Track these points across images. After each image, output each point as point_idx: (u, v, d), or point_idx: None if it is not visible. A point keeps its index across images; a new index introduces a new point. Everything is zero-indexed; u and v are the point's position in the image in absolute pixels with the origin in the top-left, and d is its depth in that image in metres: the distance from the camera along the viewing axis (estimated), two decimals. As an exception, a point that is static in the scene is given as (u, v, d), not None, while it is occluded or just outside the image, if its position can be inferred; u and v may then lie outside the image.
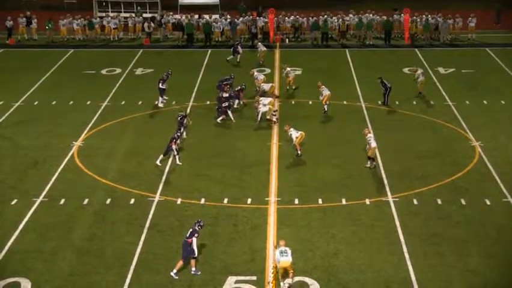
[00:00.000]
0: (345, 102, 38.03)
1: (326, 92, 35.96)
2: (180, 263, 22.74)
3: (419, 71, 39.13)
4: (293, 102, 38.23)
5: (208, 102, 37.76)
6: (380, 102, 37.45)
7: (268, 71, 44.14)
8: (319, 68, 44.48)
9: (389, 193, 27.93)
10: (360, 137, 32.30)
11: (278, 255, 21.90)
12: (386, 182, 28.85)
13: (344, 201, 27.26)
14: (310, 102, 37.86)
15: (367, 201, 27.27)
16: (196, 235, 22.84)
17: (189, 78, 41.98)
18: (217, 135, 33.83)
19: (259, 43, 47.42)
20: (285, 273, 22.00)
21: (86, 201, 27.49)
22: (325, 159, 31.13)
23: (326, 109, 35.95)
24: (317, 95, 36.63)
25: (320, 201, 27.30)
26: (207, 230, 24.93)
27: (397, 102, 37.82)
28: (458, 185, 28.56)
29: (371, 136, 29.98)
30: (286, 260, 21.80)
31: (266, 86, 37.84)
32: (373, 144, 29.62)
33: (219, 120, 34.96)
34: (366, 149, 30.11)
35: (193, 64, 45.41)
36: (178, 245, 23.76)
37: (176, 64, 44.91)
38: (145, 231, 25.22)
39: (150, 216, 26.29)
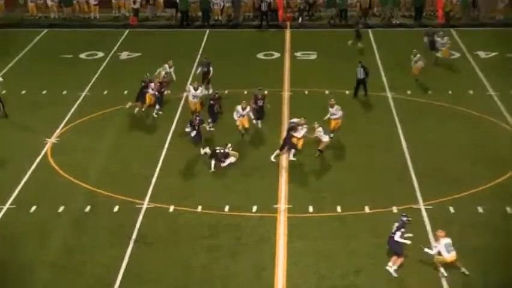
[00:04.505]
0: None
1: (338, 113, 32.41)
2: (397, 259, 23.43)
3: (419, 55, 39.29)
4: (306, 92, 38.11)
5: (210, 91, 37.56)
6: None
7: (276, 55, 44.10)
8: (336, 52, 44.39)
9: (420, 199, 27.80)
10: (386, 132, 32.20)
11: (443, 249, 22.95)
12: (416, 186, 28.73)
13: (367, 209, 27.15)
14: (326, 92, 37.69)
15: (394, 209, 27.13)
16: (402, 230, 23.49)
17: (184, 63, 41.79)
18: (217, 130, 33.65)
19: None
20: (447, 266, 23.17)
21: (61, 208, 27.42)
22: (344, 159, 31.01)
23: (332, 135, 32.27)
24: (335, 83, 36.48)
25: (339, 208, 27.21)
26: (204, 243, 24.92)
27: (430, 92, 37.71)
28: (502, 190, 28.40)
29: None
30: (454, 254, 23.01)
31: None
32: None
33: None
34: None
35: (188, 47, 45.29)
36: (170, 259, 23.68)
37: (168, 47, 44.85)
38: (131, 243, 25.15)
39: (137, 226, 26.19)
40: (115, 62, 43.54)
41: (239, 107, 32.73)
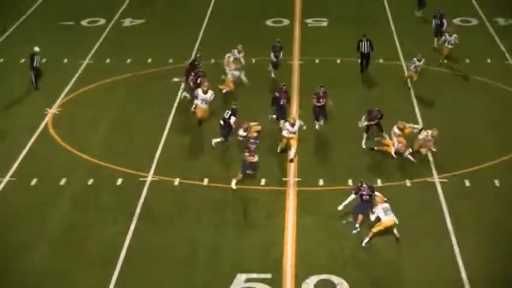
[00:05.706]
0: (381, 61, 37.80)
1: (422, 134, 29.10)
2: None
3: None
4: (317, 61, 37.99)
5: (212, 61, 37.51)
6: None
7: (286, 22, 43.90)
8: (348, 17, 44.16)
9: (434, 173, 27.80)
10: (400, 104, 32.18)
11: (381, 212, 23.64)
12: (431, 158, 28.71)
13: (379, 183, 27.11)
14: (338, 61, 37.62)
15: (407, 183, 27.15)
16: None
17: (189, 31, 41.77)
18: (223, 100, 33.62)
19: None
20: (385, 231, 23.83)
21: (63, 181, 27.50)
22: (357, 131, 30.89)
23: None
24: (347, 51, 36.32)
25: (350, 182, 27.19)
26: (211, 219, 25.00)
27: (446, 61, 37.50)
28: (520, 163, 28.44)
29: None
30: (391, 218, 23.68)
31: None
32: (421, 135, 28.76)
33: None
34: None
35: (193, 14, 45.12)
36: (175, 235, 23.74)
37: (173, 14, 44.69)
38: (135, 218, 25.22)
39: (141, 200, 26.25)
40: (117, 29, 43.34)
41: (287, 124, 28.81)
